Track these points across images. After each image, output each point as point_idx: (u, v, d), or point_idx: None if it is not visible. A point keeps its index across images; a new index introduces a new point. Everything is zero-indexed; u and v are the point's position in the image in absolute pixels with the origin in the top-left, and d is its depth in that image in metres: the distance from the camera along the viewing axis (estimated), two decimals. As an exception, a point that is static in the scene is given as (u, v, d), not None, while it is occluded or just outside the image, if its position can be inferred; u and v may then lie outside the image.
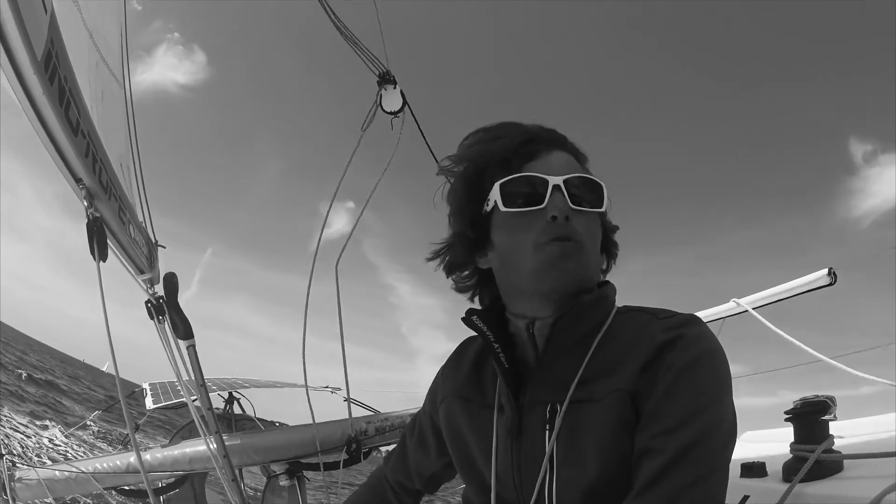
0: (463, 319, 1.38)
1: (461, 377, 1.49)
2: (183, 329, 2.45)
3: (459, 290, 1.47)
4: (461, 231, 1.39)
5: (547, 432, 1.25)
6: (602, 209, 1.32)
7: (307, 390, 3.79)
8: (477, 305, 1.48)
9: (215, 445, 2.92)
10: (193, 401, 3.08)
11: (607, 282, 1.41)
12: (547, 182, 1.25)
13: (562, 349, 1.28)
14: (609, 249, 1.43)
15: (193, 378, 2.65)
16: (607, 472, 1.18)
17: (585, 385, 1.23)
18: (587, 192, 1.29)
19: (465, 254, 1.41)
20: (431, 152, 4.00)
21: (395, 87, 3.87)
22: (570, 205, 1.25)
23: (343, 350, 3.55)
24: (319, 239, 3.61)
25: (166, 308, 2.80)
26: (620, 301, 1.39)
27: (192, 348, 2.49)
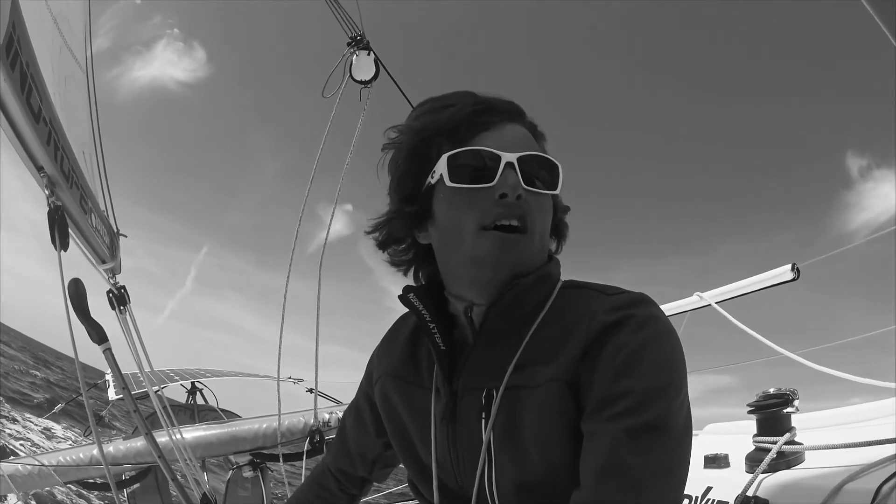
0: (399, 297, 1.30)
1: (396, 355, 1.41)
2: (96, 334, 2.34)
3: (394, 263, 1.36)
4: (400, 206, 1.28)
5: (483, 420, 1.18)
6: (556, 191, 1.21)
7: (278, 384, 3.78)
8: (411, 282, 1.38)
9: (173, 438, 2.91)
10: (156, 391, 3.05)
11: (550, 257, 1.31)
12: (499, 158, 1.15)
13: (497, 333, 1.20)
14: (560, 230, 1.34)
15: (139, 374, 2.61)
16: (548, 462, 1.11)
17: (523, 370, 1.15)
18: (542, 171, 1.19)
19: (404, 228, 1.30)
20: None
21: (368, 54, 3.59)
22: (523, 184, 1.15)
23: (317, 338, 3.54)
24: (298, 233, 3.59)
25: (127, 300, 2.77)
26: None
27: (108, 352, 2.39)
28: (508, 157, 1.15)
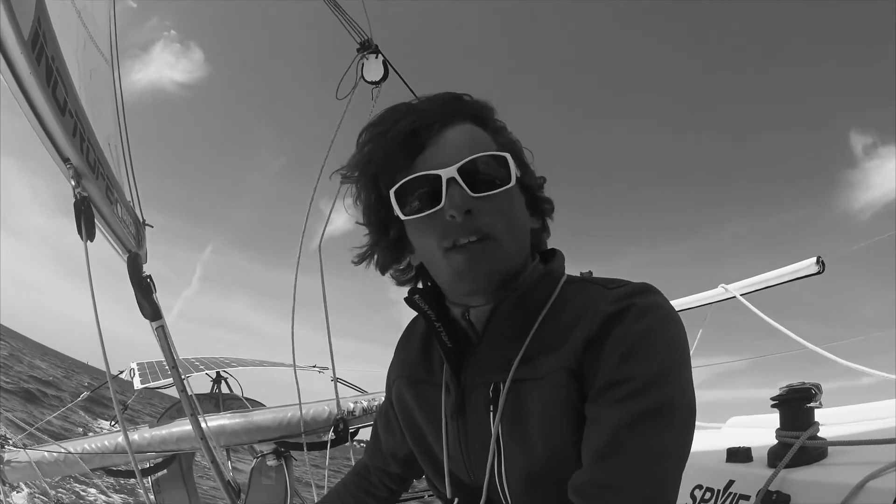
0: (405, 299, 1.31)
1: (411, 357, 1.44)
2: (150, 310, 2.40)
3: (399, 283, 1.38)
4: (376, 241, 1.31)
5: (491, 413, 1.20)
6: (511, 184, 1.18)
7: (295, 370, 3.79)
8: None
9: (199, 427, 2.93)
10: (183, 380, 3.08)
11: (553, 251, 1.34)
12: (440, 177, 1.14)
13: (502, 330, 1.22)
14: (540, 208, 1.32)
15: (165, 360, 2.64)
16: (554, 453, 1.13)
17: (529, 363, 1.17)
18: (491, 169, 1.17)
19: (390, 256, 1.32)
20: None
21: (376, 57, 3.73)
22: (472, 194, 1.13)
23: (329, 330, 3.55)
24: (305, 223, 3.59)
25: (154, 289, 2.79)
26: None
27: (161, 329, 2.45)
28: (448, 172, 1.14)
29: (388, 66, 3.73)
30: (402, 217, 1.19)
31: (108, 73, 2.84)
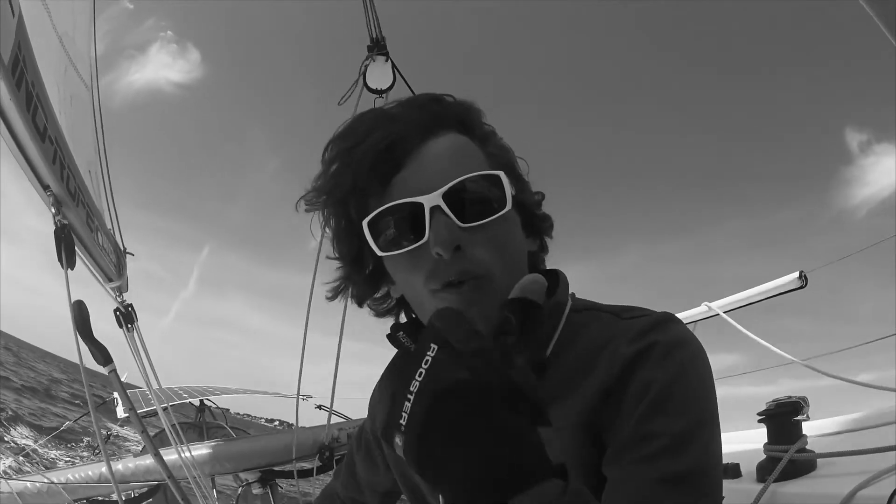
0: (388, 337, 1.13)
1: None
2: (101, 356, 2.31)
3: (378, 315, 1.22)
4: (348, 275, 1.15)
5: None
6: (506, 209, 1.00)
7: (297, 402, 3.77)
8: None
9: (182, 455, 2.90)
10: (164, 409, 3.05)
11: (555, 273, 1.16)
12: (421, 206, 0.96)
13: None
14: (538, 227, 1.16)
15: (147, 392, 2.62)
16: None
17: None
18: (483, 190, 0.99)
19: (366, 289, 1.17)
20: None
21: (385, 60, 3.40)
22: (460, 224, 0.96)
23: (337, 361, 3.53)
24: (321, 244, 3.56)
25: (135, 318, 2.78)
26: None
27: (113, 373, 2.35)
28: (430, 200, 0.96)
29: (396, 73, 3.43)
30: (379, 253, 1.02)
31: (88, 98, 2.83)
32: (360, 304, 1.21)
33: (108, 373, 2.32)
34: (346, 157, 1.04)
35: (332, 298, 1.19)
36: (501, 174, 1.00)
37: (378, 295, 1.19)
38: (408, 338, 1.10)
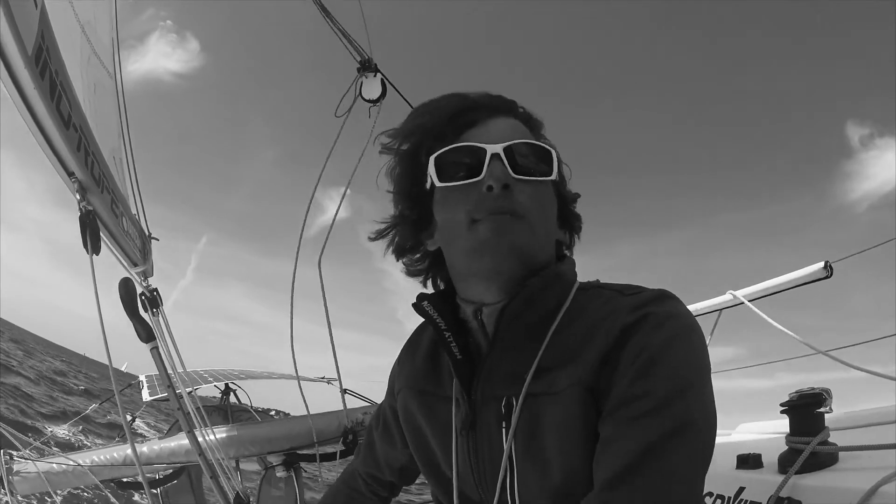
0: (413, 305, 1.26)
1: (416, 367, 1.39)
2: (144, 333, 2.40)
3: (410, 273, 1.36)
4: (402, 211, 1.29)
5: (503, 429, 1.15)
6: (552, 177, 1.18)
7: (299, 383, 3.80)
8: (430, 290, 1.37)
9: (207, 438, 2.93)
10: (189, 392, 3.09)
11: (565, 256, 1.30)
12: (484, 151, 1.13)
13: (513, 338, 1.17)
14: (570, 222, 1.31)
15: (172, 374, 2.66)
16: (569, 469, 1.07)
17: (543, 376, 1.11)
18: (534, 159, 1.17)
19: (411, 234, 1.30)
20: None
21: (375, 76, 3.71)
22: (512, 173, 1.12)
23: (332, 343, 3.54)
24: (302, 229, 3.58)
25: (160, 302, 2.81)
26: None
27: (154, 350, 2.44)
28: (493, 148, 1.13)
29: (387, 85, 3.72)
30: (438, 184, 1.17)
31: (111, 86, 2.85)
32: (398, 255, 1.35)
33: (150, 349, 2.47)
34: (428, 112, 1.24)
35: (374, 239, 1.35)
36: (553, 150, 1.19)
37: (416, 255, 1.34)
38: (433, 308, 1.23)
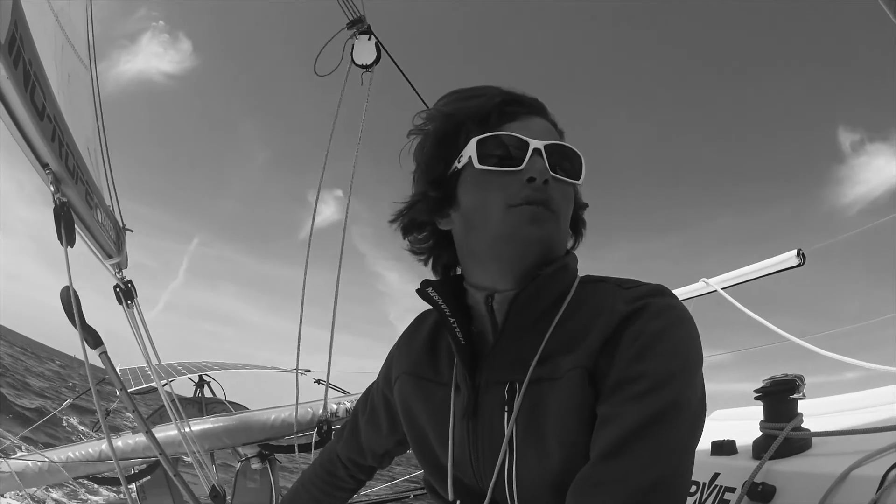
0: (417, 291, 1.29)
1: (415, 353, 1.41)
2: (91, 339, 2.34)
3: (414, 251, 1.37)
4: (426, 188, 1.29)
5: (506, 414, 1.17)
6: (579, 181, 1.24)
7: (297, 375, 3.79)
8: (431, 275, 1.38)
9: (182, 431, 2.92)
10: (163, 385, 3.07)
11: (568, 251, 1.33)
12: (527, 144, 1.17)
13: (520, 326, 1.20)
14: (577, 227, 1.35)
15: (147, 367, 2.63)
16: (569, 456, 1.09)
17: (546, 362, 1.15)
18: (566, 161, 1.21)
19: (428, 212, 1.30)
20: (423, 102, 3.59)
21: (369, 38, 3.50)
22: (549, 171, 1.17)
23: (332, 335, 3.55)
24: (311, 231, 3.55)
25: (134, 294, 2.78)
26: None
27: (104, 355, 2.38)
28: (536, 143, 1.17)
29: (381, 49, 3.52)
30: (478, 165, 1.18)
31: (86, 76, 2.82)
32: (406, 232, 1.35)
33: (100, 355, 2.35)
34: (473, 99, 1.26)
35: (393, 221, 1.35)
36: (583, 158, 1.24)
37: (422, 234, 1.35)
38: (438, 295, 1.26)
